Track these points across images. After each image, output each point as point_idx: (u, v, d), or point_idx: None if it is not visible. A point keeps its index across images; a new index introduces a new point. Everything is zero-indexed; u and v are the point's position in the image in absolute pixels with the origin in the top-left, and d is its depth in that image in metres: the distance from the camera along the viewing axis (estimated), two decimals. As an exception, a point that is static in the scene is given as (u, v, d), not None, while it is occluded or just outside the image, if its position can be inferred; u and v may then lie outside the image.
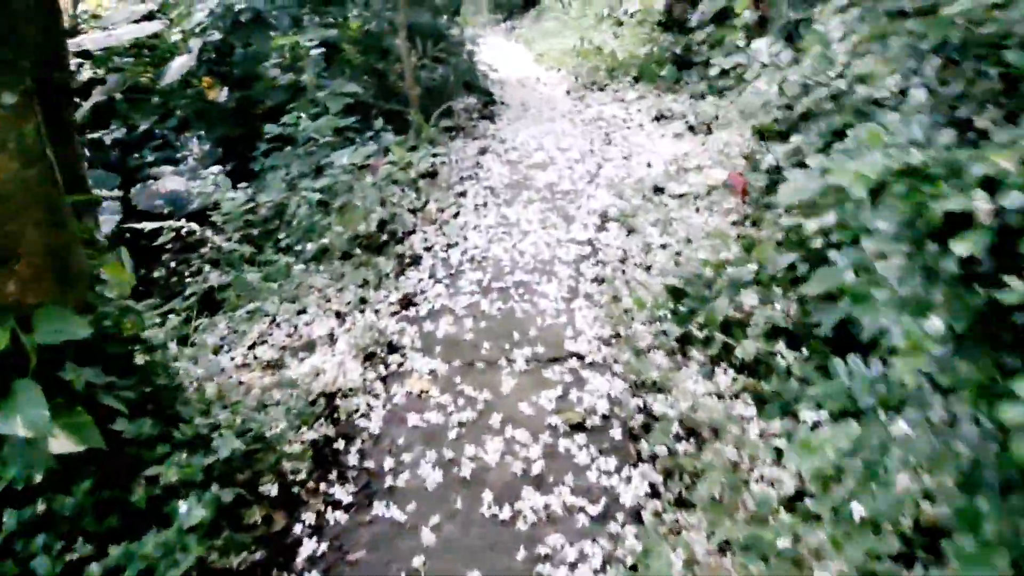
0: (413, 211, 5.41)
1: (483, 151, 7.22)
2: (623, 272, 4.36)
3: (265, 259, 4.91)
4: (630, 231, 4.96)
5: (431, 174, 6.30)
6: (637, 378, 3.33)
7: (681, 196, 5.34)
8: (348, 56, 7.56)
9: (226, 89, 6.66)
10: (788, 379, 2.97)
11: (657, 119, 8.07)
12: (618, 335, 3.71)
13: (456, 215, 5.47)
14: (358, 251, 4.80)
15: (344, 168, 5.25)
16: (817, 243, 3.13)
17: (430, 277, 4.52)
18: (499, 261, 4.64)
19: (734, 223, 4.63)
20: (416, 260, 4.76)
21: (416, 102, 7.36)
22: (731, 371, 3.22)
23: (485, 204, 5.72)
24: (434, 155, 6.63)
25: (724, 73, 8.19)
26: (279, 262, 4.77)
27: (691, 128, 7.52)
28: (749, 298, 3.43)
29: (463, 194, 6.03)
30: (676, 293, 3.79)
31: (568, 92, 9.59)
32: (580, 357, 3.55)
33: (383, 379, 3.52)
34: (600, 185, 6.05)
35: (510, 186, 6.15)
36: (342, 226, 4.89)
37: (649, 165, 6.50)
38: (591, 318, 3.89)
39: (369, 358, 3.69)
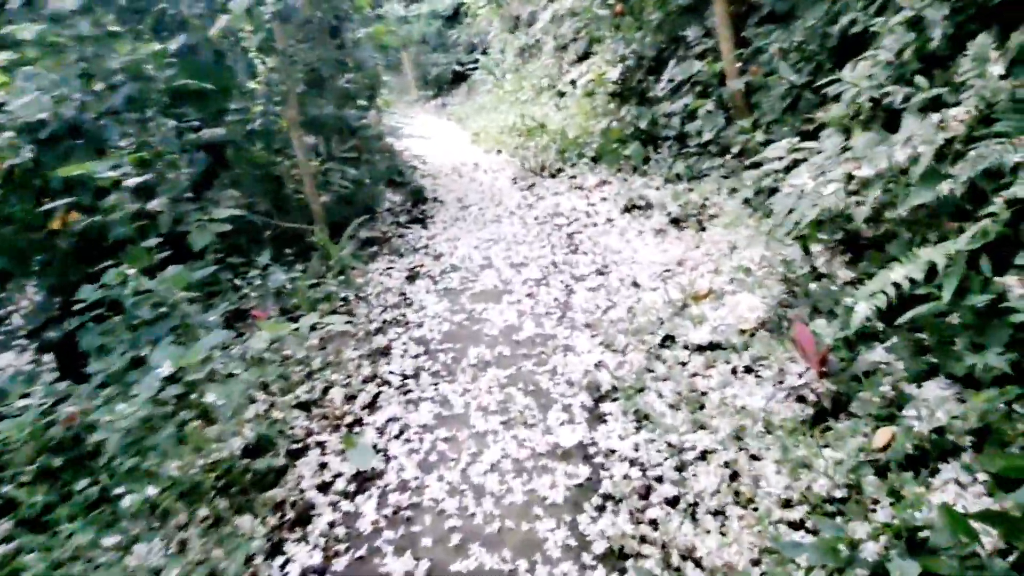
0: (306, 406, 3.49)
1: (413, 277, 5.39)
2: (659, 541, 2.50)
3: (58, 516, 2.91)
4: (641, 421, 3.13)
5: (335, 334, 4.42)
6: None
7: (704, 349, 3.57)
8: (237, 161, 5.73)
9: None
10: None
11: (628, 210, 6.40)
12: None
13: (373, 404, 3.56)
14: (216, 499, 2.84)
15: (190, 352, 3.31)
16: None
17: (325, 556, 2.58)
18: (440, 516, 2.73)
19: (815, 411, 2.86)
20: (305, 518, 2.81)
21: (321, 216, 5.51)
22: None
23: (417, 375, 3.85)
24: (343, 298, 4.76)
25: (702, 148, 6.67)
26: (72, 531, 2.78)
27: (675, 222, 5.86)
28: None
29: (386, 352, 4.16)
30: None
31: (514, 180, 7.92)
32: None
33: None
34: (576, 325, 4.25)
35: (451, 337, 4.30)
36: (182, 457, 2.94)
37: (636, 285, 4.76)
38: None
39: None
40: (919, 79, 3.33)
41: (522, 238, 6.07)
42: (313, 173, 5.48)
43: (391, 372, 3.87)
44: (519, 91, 11.77)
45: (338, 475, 2.94)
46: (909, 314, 2.62)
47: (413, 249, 6.04)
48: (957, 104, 3.12)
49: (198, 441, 3.01)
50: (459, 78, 17.67)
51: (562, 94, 10.31)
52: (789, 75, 5.08)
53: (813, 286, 3.46)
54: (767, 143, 5.32)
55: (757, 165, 5.19)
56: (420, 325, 4.50)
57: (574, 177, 7.47)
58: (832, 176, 3.30)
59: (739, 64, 5.82)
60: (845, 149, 3.53)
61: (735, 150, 5.98)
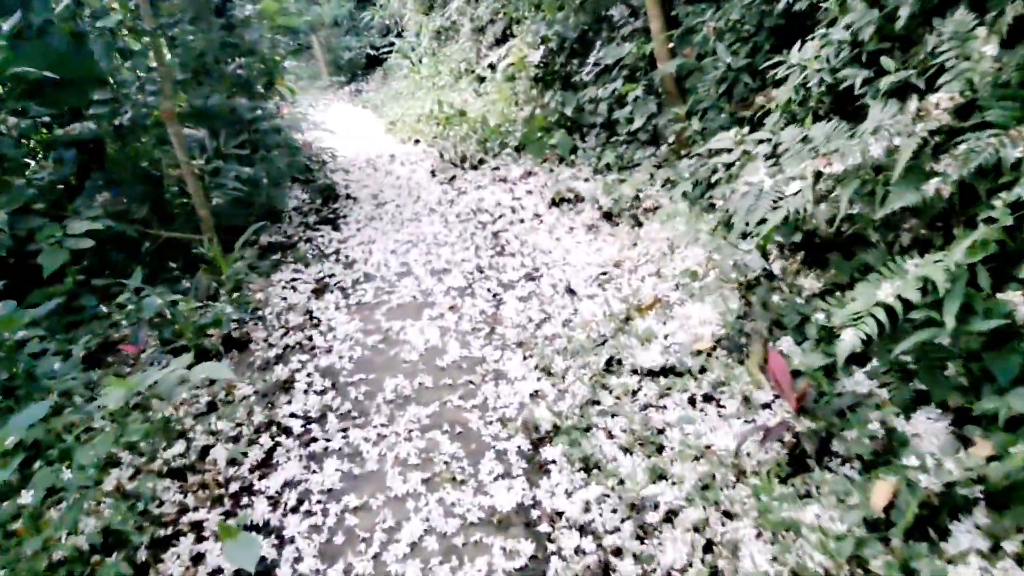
0: (181, 472, 2.81)
1: (320, 290, 4.71)
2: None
3: None
4: (589, 471, 2.61)
5: (226, 356, 3.72)
6: None
7: (656, 375, 3.09)
8: (115, 161, 4.87)
9: None
10: None
11: (556, 204, 5.89)
12: None
13: (266, 462, 2.91)
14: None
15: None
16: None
17: None
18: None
19: (794, 453, 2.41)
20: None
21: (210, 223, 4.75)
22: None
23: (322, 417, 3.22)
24: (236, 320, 4.05)
25: (632, 136, 6.21)
26: None
27: (607, 216, 5.39)
28: None
29: (287, 387, 3.50)
30: None
31: (433, 173, 7.27)
32: None
33: None
34: (507, 344, 3.71)
35: (365, 365, 3.67)
36: (19, 551, 2.23)
37: (571, 292, 4.26)
38: None
39: None
40: (885, 60, 2.92)
41: (443, 239, 5.46)
42: (198, 173, 4.69)
43: (291, 415, 3.22)
44: (436, 76, 11.08)
45: (217, 573, 2.30)
46: (904, 344, 2.19)
47: (323, 255, 5.34)
48: (928, 90, 2.72)
49: (31, 532, 2.31)
50: (374, 63, 16.74)
51: (482, 79, 9.70)
52: (725, 57, 4.65)
53: (774, 298, 3.03)
54: (703, 132, 4.90)
55: (696, 155, 4.77)
56: (328, 351, 3.85)
57: (497, 169, 6.89)
58: (794, 173, 2.86)
59: (670, 46, 5.37)
60: (804, 140, 3.11)
61: (669, 139, 5.55)
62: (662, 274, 4.19)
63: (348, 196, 6.79)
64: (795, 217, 2.78)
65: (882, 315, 2.20)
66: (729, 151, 3.80)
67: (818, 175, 2.73)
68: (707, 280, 3.67)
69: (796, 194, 2.74)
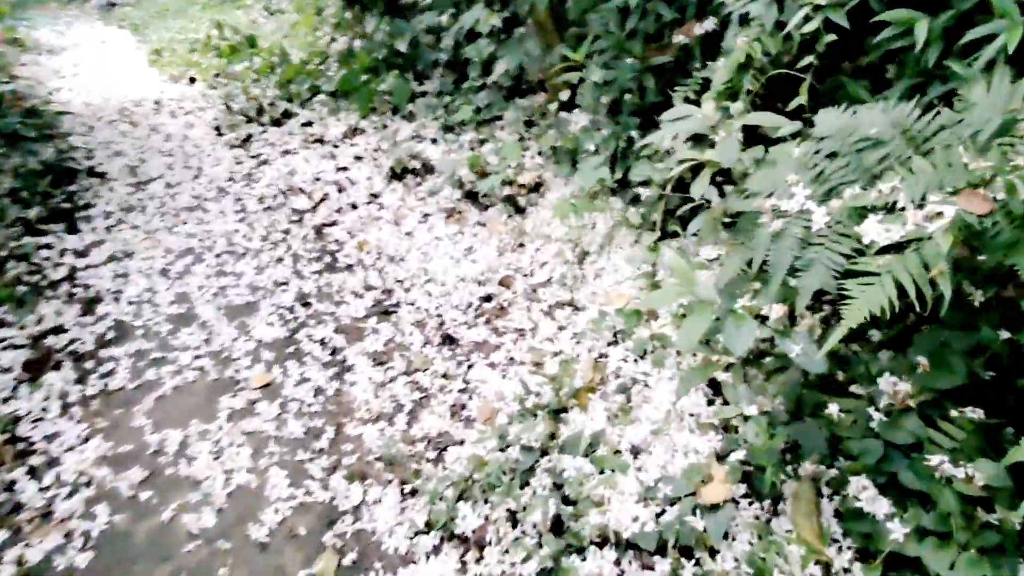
0: None
1: (37, 366, 2.80)
2: None
3: None
4: None
5: None
6: None
7: (639, 551, 1.79)
8: None
9: None
10: None
11: (398, 176, 4.29)
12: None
13: None
14: None
15: None
16: None
17: None
18: None
19: None
20: None
21: None
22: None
23: None
24: None
25: (496, 83, 4.65)
26: None
27: (472, 197, 3.91)
28: None
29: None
30: None
31: (219, 130, 5.21)
32: None
33: None
34: (369, 467, 2.22)
35: (106, 557, 2.01)
36: None
37: (450, 341, 2.81)
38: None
39: None
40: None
41: (242, 243, 3.68)
42: None
43: None
44: (213, -12, 8.53)
45: None
46: None
47: (45, 287, 3.34)
48: None
49: None
50: (129, -33, 13.13)
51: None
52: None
53: (834, 407, 1.80)
54: (606, 85, 3.51)
55: (614, 122, 3.38)
56: (44, 517, 2.11)
57: (310, 124, 5.04)
58: (863, 200, 1.59)
59: (543, -43, 3.85)
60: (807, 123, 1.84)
61: (543, 86, 4.11)
62: (576, 302, 2.86)
63: (92, 172, 4.61)
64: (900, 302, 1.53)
65: None
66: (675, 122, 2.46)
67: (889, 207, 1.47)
68: (664, 328, 2.40)
69: (909, 250, 1.48)
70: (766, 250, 1.71)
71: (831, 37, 2.25)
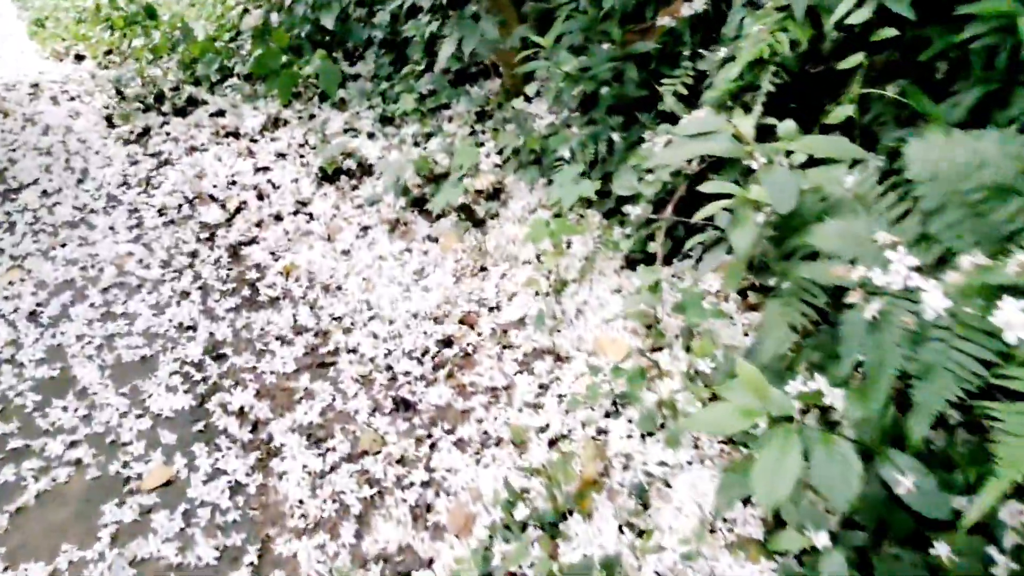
0: None
1: None
2: None
3: None
4: None
5: None
6: None
7: None
8: None
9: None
10: None
11: (330, 179, 3.64)
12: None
13: None
14: None
15: None
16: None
17: None
18: None
19: None
20: None
21: None
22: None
23: None
24: None
25: (436, 65, 3.98)
26: None
27: (419, 205, 3.31)
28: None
29: None
30: None
31: (110, 121, 4.37)
32: None
33: None
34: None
35: None
36: None
37: (405, 406, 2.23)
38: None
39: None
40: None
41: (137, 273, 2.97)
42: None
43: None
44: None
45: None
46: None
47: None
48: None
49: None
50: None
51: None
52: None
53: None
54: (571, 76, 2.92)
55: (592, 121, 2.81)
56: None
57: (221, 114, 4.26)
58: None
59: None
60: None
61: (498, 71, 3.51)
62: (562, 352, 2.34)
63: (-53, 175, 3.76)
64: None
65: None
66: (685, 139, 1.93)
67: None
68: (676, 394, 1.90)
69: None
70: (859, 345, 1.22)
71: (889, 31, 1.76)
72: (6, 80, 5.09)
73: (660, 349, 2.18)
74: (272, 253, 3.11)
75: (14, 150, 4.04)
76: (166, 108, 4.32)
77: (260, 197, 3.56)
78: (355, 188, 3.59)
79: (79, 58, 5.45)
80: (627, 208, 2.53)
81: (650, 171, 2.51)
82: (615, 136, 2.70)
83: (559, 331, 2.42)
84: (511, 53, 3.29)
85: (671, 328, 2.23)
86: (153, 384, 2.34)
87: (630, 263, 2.61)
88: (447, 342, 2.51)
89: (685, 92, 2.66)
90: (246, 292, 2.86)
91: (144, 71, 4.60)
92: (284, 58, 3.92)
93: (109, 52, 5.21)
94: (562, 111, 3.00)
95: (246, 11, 4.82)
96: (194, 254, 3.10)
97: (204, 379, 2.38)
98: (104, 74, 5.04)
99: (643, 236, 2.54)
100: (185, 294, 2.83)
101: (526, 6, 3.49)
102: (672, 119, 2.61)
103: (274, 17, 4.30)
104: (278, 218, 3.39)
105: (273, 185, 3.64)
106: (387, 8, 3.78)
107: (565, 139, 2.75)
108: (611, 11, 2.81)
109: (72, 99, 4.78)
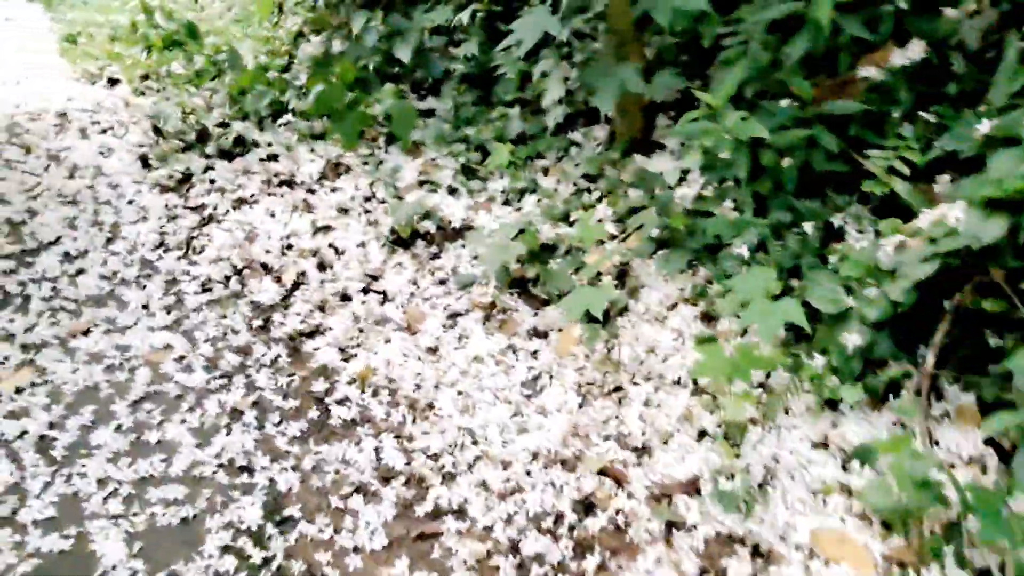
0: None
1: None
2: None
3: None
4: None
5: None
6: None
7: None
8: None
9: None
10: None
11: (403, 244, 3.00)
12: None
13: None
14: None
15: None
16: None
17: None
18: None
19: None
20: None
21: None
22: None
23: None
24: None
25: (531, 105, 3.24)
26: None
27: (516, 284, 2.66)
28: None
29: None
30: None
31: (146, 162, 3.77)
32: None
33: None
34: None
35: None
36: None
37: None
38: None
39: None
40: None
41: (179, 376, 2.34)
42: None
43: None
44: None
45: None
46: None
47: None
48: None
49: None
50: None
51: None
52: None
53: None
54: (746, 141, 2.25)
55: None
56: None
57: (274, 159, 3.65)
58: None
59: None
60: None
61: (615, 121, 2.85)
62: (761, 546, 1.66)
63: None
64: None
65: None
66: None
67: None
68: None
69: None
70: None
71: None
72: (30, 108, 4.52)
73: (923, 563, 1.50)
74: (341, 350, 2.48)
75: (35, 197, 3.46)
76: (210, 149, 3.71)
77: (321, 267, 2.93)
78: (435, 257, 2.96)
79: (112, 82, 4.88)
80: (838, 333, 1.85)
81: (871, 280, 1.83)
82: (808, 227, 2.03)
83: (748, 506, 1.74)
84: (630, 96, 2.64)
85: (930, 524, 1.54)
86: (196, 570, 1.71)
87: (829, 402, 1.93)
88: (587, 505, 1.86)
89: (901, 166, 2.00)
90: (313, 412, 2.22)
91: (185, 104, 4.00)
92: (351, 95, 3.29)
93: (146, 77, 4.64)
94: (720, 186, 2.34)
95: (300, 34, 4.21)
96: (246, 351, 2.48)
97: (265, 562, 1.74)
98: (140, 102, 4.46)
99: (856, 370, 1.86)
100: (237, 413, 2.20)
101: (652, 39, 2.84)
102: (874, 202, 1.95)
103: (336, 45, 3.67)
104: (344, 298, 2.76)
105: (336, 251, 3.01)
106: (474, 39, 3.13)
107: (740, 227, 2.07)
108: (792, 57, 2.14)
109: (103, 131, 4.20)
